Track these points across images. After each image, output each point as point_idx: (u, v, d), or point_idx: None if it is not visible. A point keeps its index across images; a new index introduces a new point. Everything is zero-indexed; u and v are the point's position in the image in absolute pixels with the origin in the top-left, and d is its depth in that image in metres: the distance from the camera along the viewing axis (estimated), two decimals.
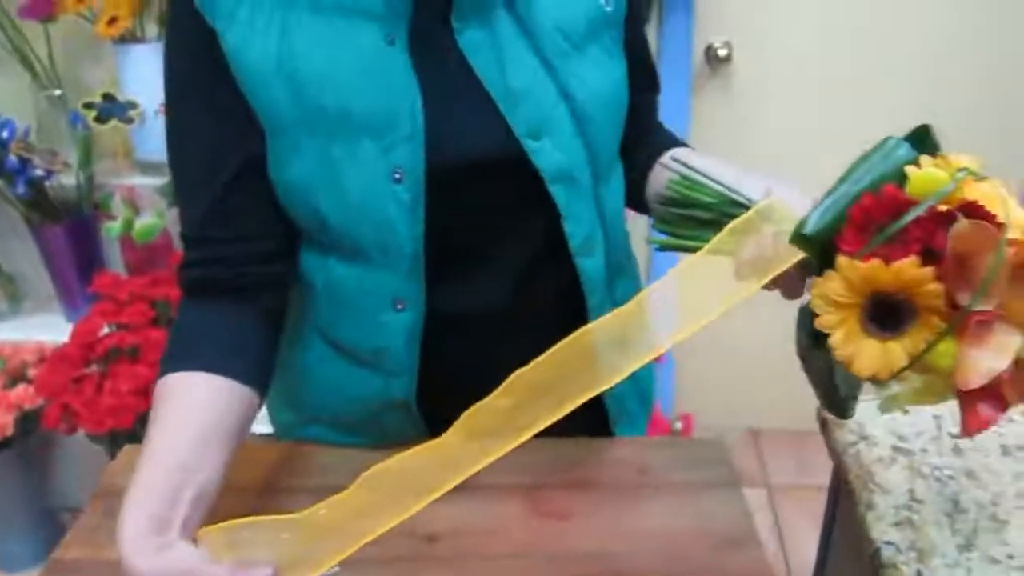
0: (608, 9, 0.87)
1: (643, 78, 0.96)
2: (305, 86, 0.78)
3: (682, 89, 2.03)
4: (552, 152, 0.84)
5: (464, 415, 0.70)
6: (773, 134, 2.12)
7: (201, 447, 0.75)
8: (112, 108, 1.80)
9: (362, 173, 0.80)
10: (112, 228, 1.80)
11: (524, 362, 0.92)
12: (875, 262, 0.58)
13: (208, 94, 0.80)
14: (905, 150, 0.64)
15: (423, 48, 0.81)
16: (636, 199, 0.98)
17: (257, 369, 0.84)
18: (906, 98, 2.06)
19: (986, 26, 1.99)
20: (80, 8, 1.75)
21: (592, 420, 0.98)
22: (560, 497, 0.89)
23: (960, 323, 0.58)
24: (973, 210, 0.59)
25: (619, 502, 0.89)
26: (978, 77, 2.04)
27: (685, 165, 0.75)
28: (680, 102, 2.04)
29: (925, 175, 0.60)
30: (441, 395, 0.91)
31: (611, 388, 0.99)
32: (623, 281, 0.97)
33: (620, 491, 0.90)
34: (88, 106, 1.80)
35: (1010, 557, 0.75)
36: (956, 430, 0.89)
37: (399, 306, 0.86)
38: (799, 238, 0.64)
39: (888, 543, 0.78)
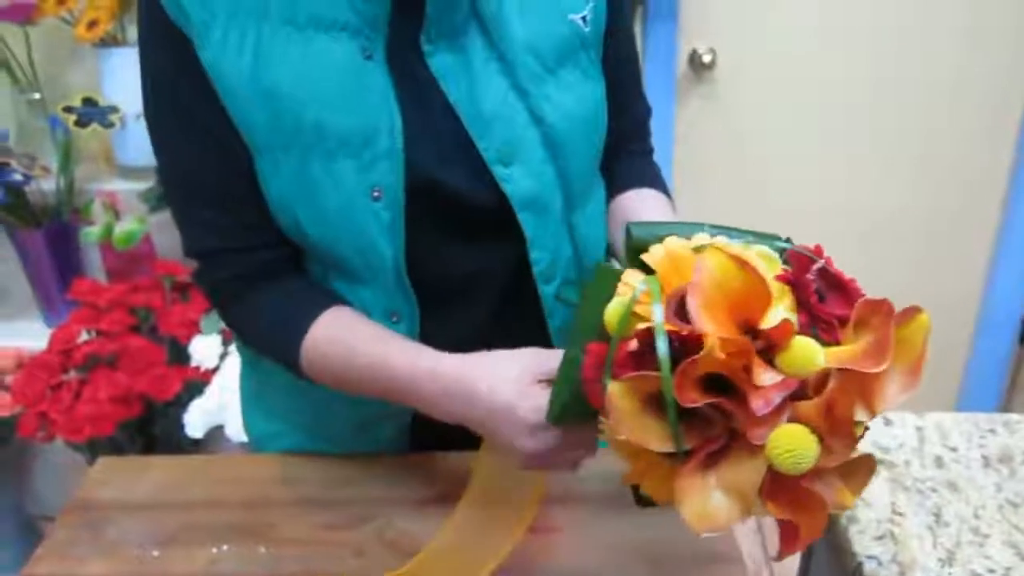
0: (586, 30, 0.85)
1: (624, 98, 0.93)
2: (281, 103, 0.76)
3: (667, 95, 2.03)
4: (521, 179, 0.82)
5: None
6: (757, 138, 2.12)
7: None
8: (92, 112, 1.78)
9: (340, 191, 0.78)
10: (91, 233, 1.78)
11: None
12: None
13: (193, 109, 0.77)
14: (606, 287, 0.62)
15: (398, 64, 0.79)
16: None
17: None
18: (889, 101, 2.07)
19: (969, 28, 2.00)
20: (60, 11, 1.74)
21: None
22: (543, 511, 0.88)
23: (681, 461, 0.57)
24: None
25: (604, 515, 0.88)
26: (960, 78, 2.04)
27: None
28: (665, 107, 2.04)
29: (609, 314, 0.60)
30: None
31: None
32: None
33: (605, 504, 0.89)
34: (68, 110, 1.78)
35: (991, 571, 0.75)
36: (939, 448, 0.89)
37: (394, 318, 0.84)
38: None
39: (870, 557, 0.77)
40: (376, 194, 0.78)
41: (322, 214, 0.79)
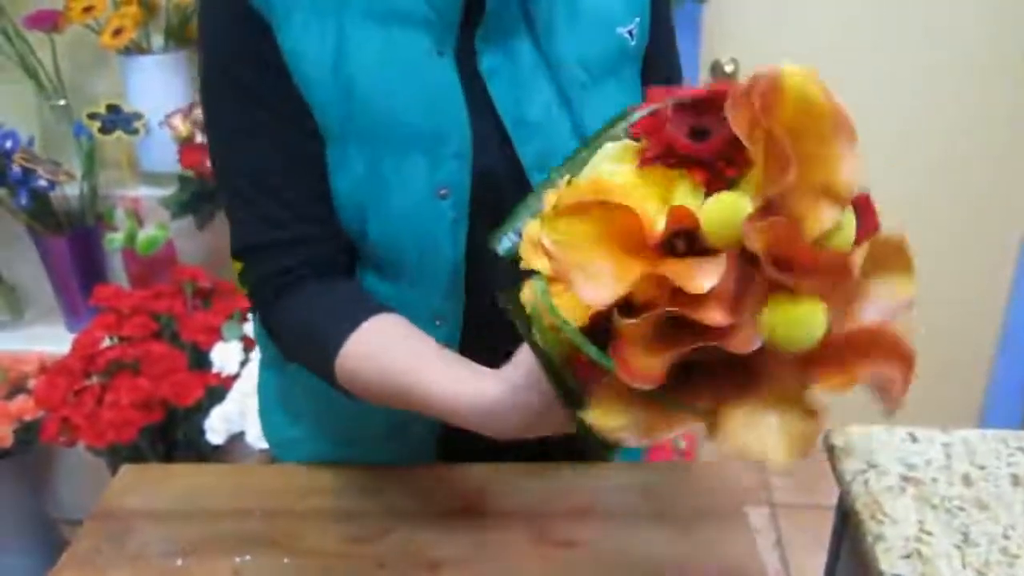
0: (632, 43, 0.85)
1: None
2: (358, 95, 0.77)
3: None
4: None
5: None
6: None
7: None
8: (117, 119, 1.80)
9: (408, 188, 0.79)
10: (114, 240, 1.79)
11: None
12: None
13: (264, 94, 0.78)
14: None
15: (462, 64, 0.80)
16: None
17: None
18: (911, 114, 2.06)
19: (993, 36, 1.98)
20: (86, 19, 1.75)
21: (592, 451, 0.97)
22: (564, 524, 0.87)
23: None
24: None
25: (623, 529, 0.87)
26: (984, 86, 2.03)
27: None
28: None
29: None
30: None
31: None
32: None
33: (624, 518, 0.89)
34: (92, 117, 1.79)
35: None
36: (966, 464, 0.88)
37: (438, 322, 0.84)
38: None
39: None
40: (443, 192, 0.79)
41: (388, 210, 0.80)
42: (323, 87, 0.76)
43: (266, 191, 0.81)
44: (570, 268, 0.46)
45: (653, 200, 0.47)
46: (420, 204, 0.79)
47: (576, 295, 0.46)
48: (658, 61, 0.90)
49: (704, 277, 0.43)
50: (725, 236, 0.44)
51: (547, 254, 0.47)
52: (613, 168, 0.49)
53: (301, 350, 0.85)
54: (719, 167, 0.46)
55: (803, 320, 0.44)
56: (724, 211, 0.44)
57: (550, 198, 0.52)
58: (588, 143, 0.55)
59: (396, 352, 0.78)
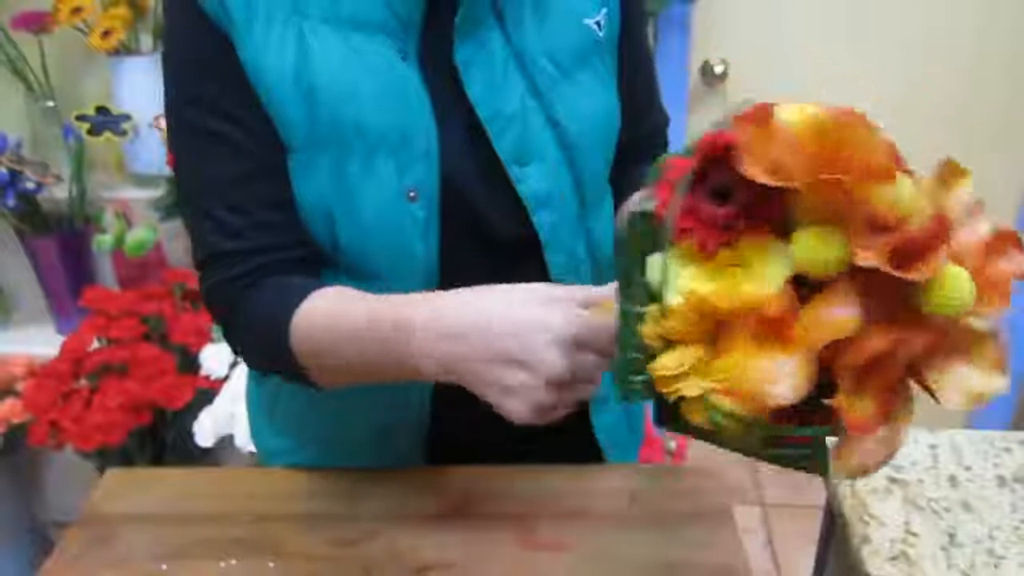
0: (601, 34, 0.86)
1: (642, 106, 0.94)
2: (322, 102, 0.76)
3: (678, 105, 2.03)
4: (536, 179, 0.83)
5: None
6: None
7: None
8: (105, 121, 1.79)
9: (377, 192, 0.79)
10: (103, 242, 1.78)
11: None
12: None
13: (223, 106, 0.78)
14: None
15: (427, 67, 0.80)
16: None
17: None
18: (902, 115, 2.06)
19: (983, 28, 1.99)
20: (74, 20, 1.74)
21: (583, 451, 0.97)
22: (552, 527, 0.87)
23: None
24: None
25: (611, 532, 0.87)
26: (973, 83, 2.03)
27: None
28: (677, 117, 2.03)
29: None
30: (453, 413, 0.89)
31: (600, 418, 0.98)
32: None
33: (612, 521, 0.89)
34: (81, 118, 1.79)
35: None
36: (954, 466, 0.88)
37: None
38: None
39: None
40: (412, 195, 0.79)
41: (357, 215, 0.79)
42: (285, 96, 0.76)
43: (224, 201, 0.80)
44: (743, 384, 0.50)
45: (749, 282, 0.51)
46: (390, 207, 0.79)
47: (763, 401, 0.50)
48: (630, 52, 0.91)
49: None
50: (828, 267, 0.49)
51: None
52: (686, 279, 0.52)
53: (258, 340, 0.83)
54: (760, 214, 0.51)
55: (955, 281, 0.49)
56: (818, 250, 0.50)
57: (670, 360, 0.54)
58: (620, 251, 0.57)
59: (346, 298, 0.77)
